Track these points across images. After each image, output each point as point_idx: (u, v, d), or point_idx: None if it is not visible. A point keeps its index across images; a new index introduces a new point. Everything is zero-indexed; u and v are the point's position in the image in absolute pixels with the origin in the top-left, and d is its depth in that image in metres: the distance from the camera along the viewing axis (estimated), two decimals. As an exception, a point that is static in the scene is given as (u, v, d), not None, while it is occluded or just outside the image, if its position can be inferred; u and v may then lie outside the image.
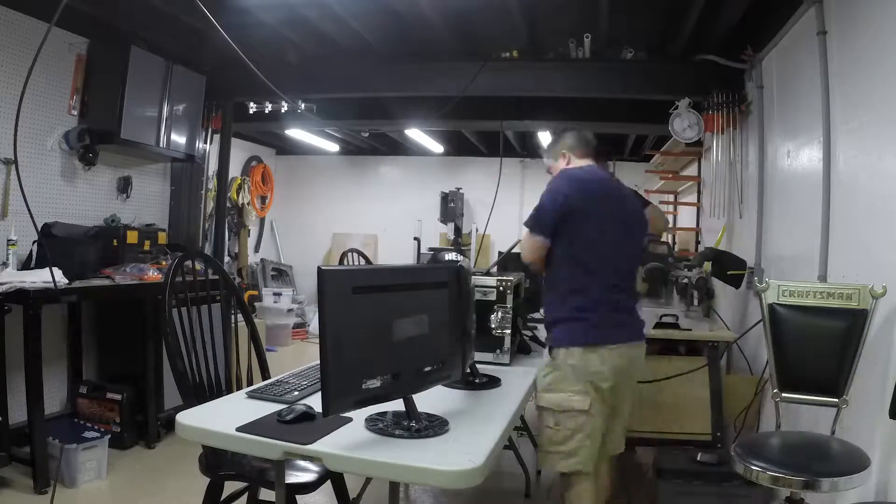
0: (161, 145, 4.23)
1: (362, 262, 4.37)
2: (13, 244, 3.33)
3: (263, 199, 8.15)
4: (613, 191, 2.34)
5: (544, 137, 7.03)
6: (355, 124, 6.47)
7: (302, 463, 1.82)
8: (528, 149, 7.92)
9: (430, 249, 7.67)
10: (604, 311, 2.16)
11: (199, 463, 1.96)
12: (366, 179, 8.73)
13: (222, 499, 2.05)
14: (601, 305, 2.16)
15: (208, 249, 5.58)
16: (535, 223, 2.22)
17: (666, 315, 2.94)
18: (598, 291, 2.17)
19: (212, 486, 1.99)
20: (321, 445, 1.35)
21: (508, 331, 2.21)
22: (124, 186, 4.28)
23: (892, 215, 2.08)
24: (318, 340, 1.29)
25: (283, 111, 4.59)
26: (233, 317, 2.42)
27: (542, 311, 2.51)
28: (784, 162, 3.25)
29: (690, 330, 2.93)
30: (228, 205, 6.84)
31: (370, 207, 8.57)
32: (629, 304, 2.25)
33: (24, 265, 3.36)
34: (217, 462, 1.93)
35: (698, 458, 2.61)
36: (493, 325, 2.20)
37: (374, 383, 1.35)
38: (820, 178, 2.64)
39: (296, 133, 7.13)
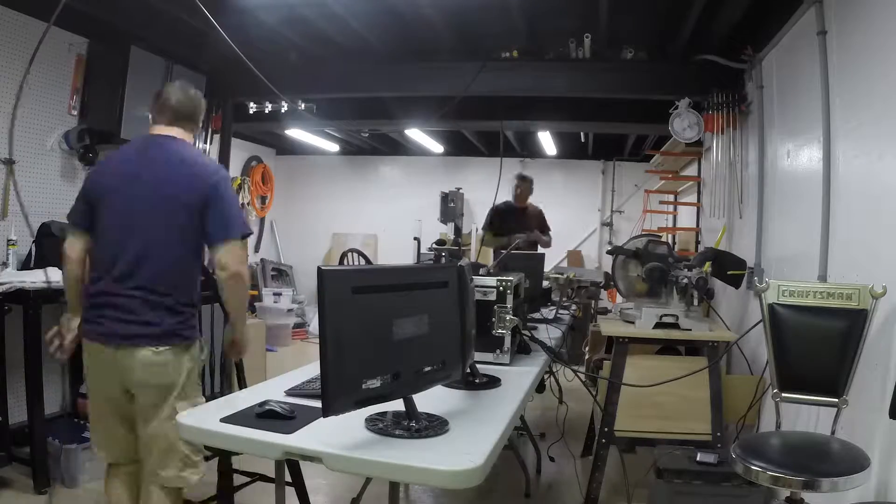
0: (161, 145, 4.22)
1: (362, 262, 4.38)
2: (13, 244, 3.33)
3: (263, 199, 8.15)
4: (142, 168, 2.00)
5: (544, 137, 7.04)
6: (355, 124, 6.48)
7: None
8: (528, 149, 7.93)
9: (432, 248, 7.67)
10: (87, 304, 1.99)
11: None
12: (366, 179, 8.73)
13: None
14: (88, 298, 1.99)
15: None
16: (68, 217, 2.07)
17: (666, 315, 2.94)
18: (98, 285, 1.97)
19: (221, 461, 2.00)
20: (321, 445, 1.35)
21: (508, 331, 2.21)
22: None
23: (891, 215, 2.08)
24: (318, 340, 1.29)
25: (283, 111, 4.59)
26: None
27: None
28: (784, 162, 3.25)
29: (690, 330, 2.93)
30: (228, 205, 6.82)
31: (370, 207, 8.57)
32: (118, 299, 1.92)
33: (24, 265, 3.36)
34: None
35: (698, 458, 2.60)
36: (493, 326, 2.20)
37: (374, 383, 1.35)
38: (820, 178, 2.64)
39: (296, 133, 7.13)
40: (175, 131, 2.07)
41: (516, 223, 5.39)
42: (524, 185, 5.51)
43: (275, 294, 7.28)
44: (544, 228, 5.56)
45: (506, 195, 5.51)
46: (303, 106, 4.52)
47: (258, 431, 1.43)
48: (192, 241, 2.01)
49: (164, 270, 1.96)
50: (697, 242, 5.28)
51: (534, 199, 5.72)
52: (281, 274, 8.32)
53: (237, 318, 2.16)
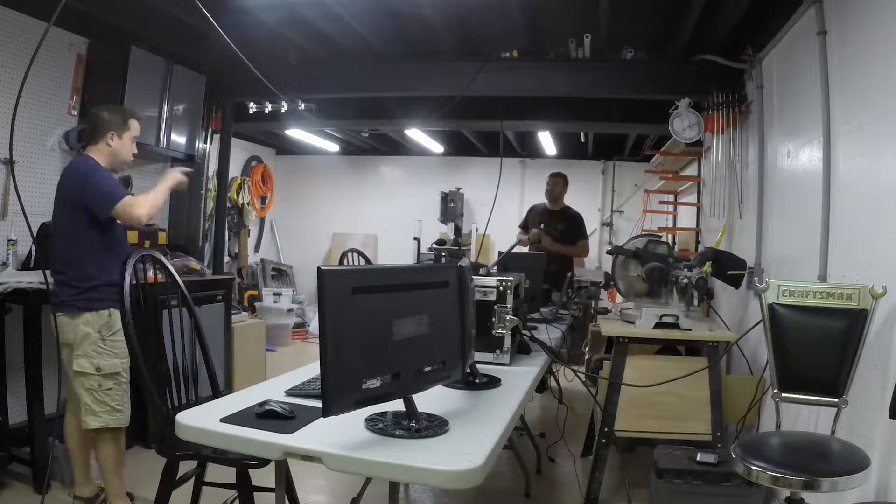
0: (161, 145, 4.23)
1: (362, 262, 4.37)
2: (13, 244, 3.33)
3: (263, 199, 8.15)
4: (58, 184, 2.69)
5: (544, 137, 7.04)
6: (355, 124, 6.48)
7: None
8: (527, 149, 7.93)
9: (432, 248, 7.67)
10: None
11: (155, 444, 1.99)
12: (366, 179, 8.73)
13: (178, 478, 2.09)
14: None
15: (208, 249, 5.58)
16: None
17: (666, 315, 2.94)
18: None
19: (168, 466, 2.02)
20: (321, 445, 1.35)
21: (508, 331, 2.21)
22: (124, 186, 4.28)
23: (892, 215, 2.08)
24: (318, 340, 1.29)
25: (283, 111, 4.59)
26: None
27: None
28: (784, 162, 3.25)
29: (690, 330, 2.93)
30: (228, 205, 6.84)
31: (370, 207, 8.57)
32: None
33: (24, 265, 3.37)
34: (173, 442, 1.92)
35: (698, 458, 2.61)
36: (493, 326, 2.20)
37: (374, 383, 1.35)
38: (820, 178, 2.64)
39: (296, 133, 7.13)
40: (87, 150, 2.71)
41: (542, 224, 5.14)
42: (552, 181, 5.23)
43: (275, 294, 7.28)
44: (578, 235, 5.17)
45: (505, 195, 5.51)
46: (303, 106, 4.52)
47: (258, 431, 1.43)
48: (78, 230, 2.55)
49: (59, 257, 2.60)
50: (697, 242, 5.28)
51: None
52: (281, 274, 8.32)
53: (161, 196, 2.71)
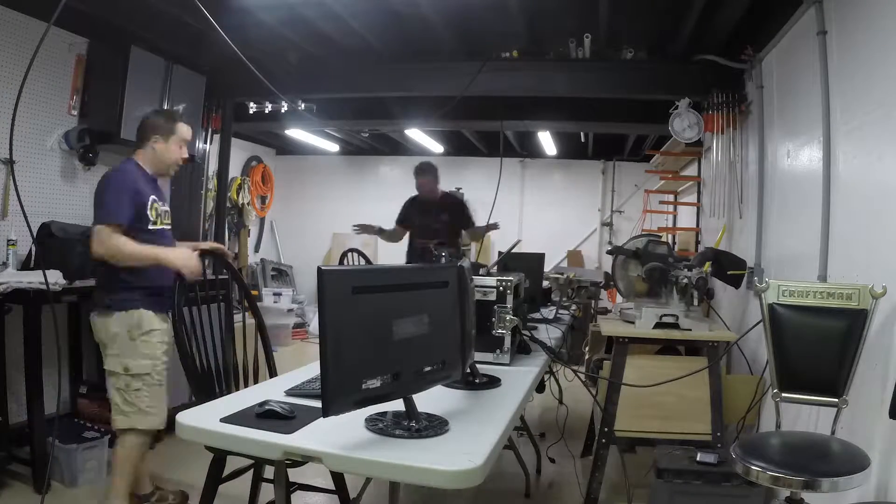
0: (161, 145, 4.22)
1: (362, 262, 4.37)
2: (13, 244, 3.34)
3: (263, 199, 8.15)
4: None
5: (544, 137, 7.04)
6: (355, 124, 6.48)
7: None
8: (528, 149, 7.93)
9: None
10: None
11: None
12: (366, 179, 8.73)
13: (225, 475, 2.04)
14: None
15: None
16: None
17: (666, 315, 2.94)
18: None
19: (214, 461, 1.97)
20: (321, 445, 1.35)
21: (508, 331, 2.21)
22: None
23: (892, 215, 2.08)
24: (318, 340, 1.29)
25: (283, 111, 4.59)
26: (238, 313, 2.47)
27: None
28: (784, 162, 3.25)
29: (690, 330, 2.93)
30: (228, 205, 6.84)
31: (370, 207, 8.55)
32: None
33: (24, 265, 3.37)
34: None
35: (698, 458, 2.61)
36: (493, 326, 2.20)
37: (374, 383, 1.35)
38: (820, 178, 2.64)
39: (296, 133, 7.13)
40: (135, 154, 2.72)
41: (421, 218, 4.88)
42: (421, 181, 4.84)
43: (275, 294, 7.28)
44: (462, 223, 4.94)
45: (505, 195, 5.49)
46: (303, 106, 4.52)
47: (258, 431, 1.43)
48: None
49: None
50: (697, 242, 5.28)
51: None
52: (281, 274, 8.32)
53: (151, 262, 2.52)
